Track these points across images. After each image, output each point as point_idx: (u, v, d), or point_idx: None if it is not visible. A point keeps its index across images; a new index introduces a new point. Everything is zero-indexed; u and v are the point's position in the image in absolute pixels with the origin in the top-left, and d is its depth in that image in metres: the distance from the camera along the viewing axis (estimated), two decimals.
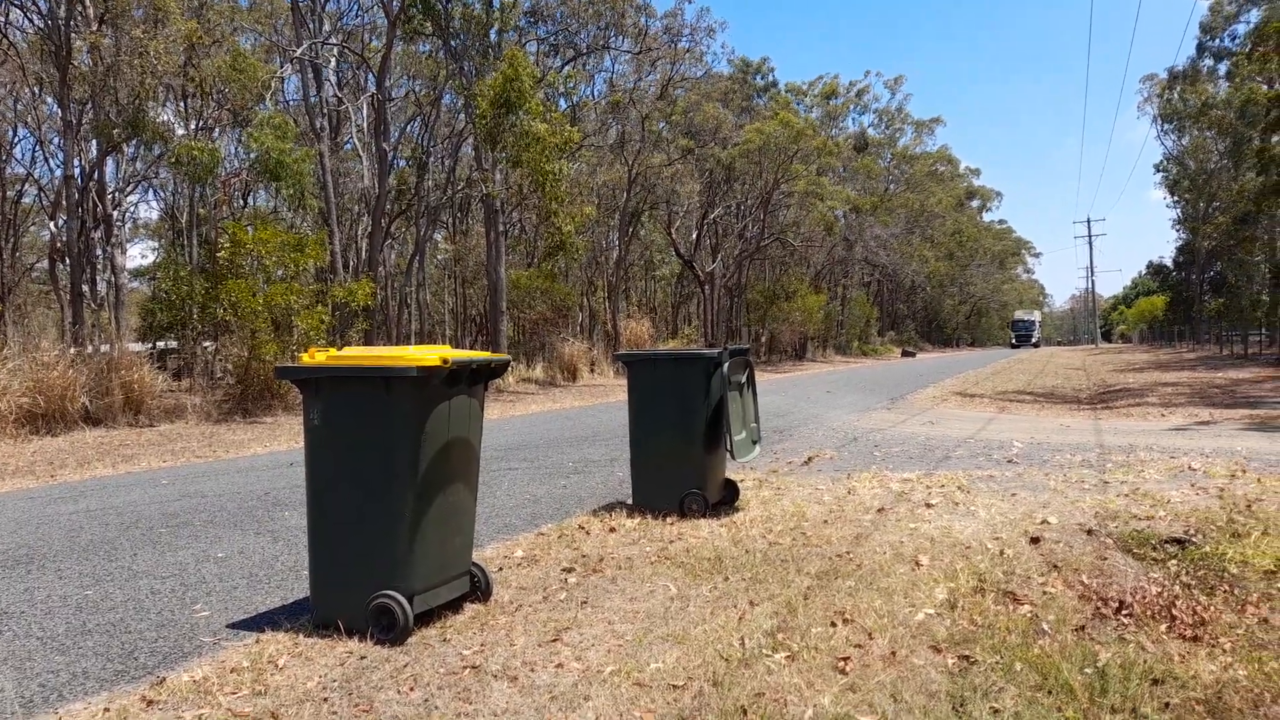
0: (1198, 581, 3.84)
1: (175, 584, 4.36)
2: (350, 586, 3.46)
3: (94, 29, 16.52)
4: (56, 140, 23.65)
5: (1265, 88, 29.32)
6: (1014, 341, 75.07)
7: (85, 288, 17.04)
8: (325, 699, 2.88)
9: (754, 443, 5.93)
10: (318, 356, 3.61)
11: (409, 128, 31.01)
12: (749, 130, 33.29)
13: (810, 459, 8.09)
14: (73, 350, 13.70)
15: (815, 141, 35.78)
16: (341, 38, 26.55)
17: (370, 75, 24.59)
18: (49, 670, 3.24)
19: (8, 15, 19.32)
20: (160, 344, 21.24)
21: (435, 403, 3.49)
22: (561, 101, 29.01)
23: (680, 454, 5.55)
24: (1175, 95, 42.85)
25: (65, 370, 12.18)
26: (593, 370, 25.77)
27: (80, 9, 16.55)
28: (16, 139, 27.06)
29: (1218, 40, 36.72)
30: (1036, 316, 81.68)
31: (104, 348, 13.83)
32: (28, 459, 9.75)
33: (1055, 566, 4.13)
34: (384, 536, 3.44)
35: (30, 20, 18.88)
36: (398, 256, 33.30)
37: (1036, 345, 73.32)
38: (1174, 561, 4.15)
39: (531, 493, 6.75)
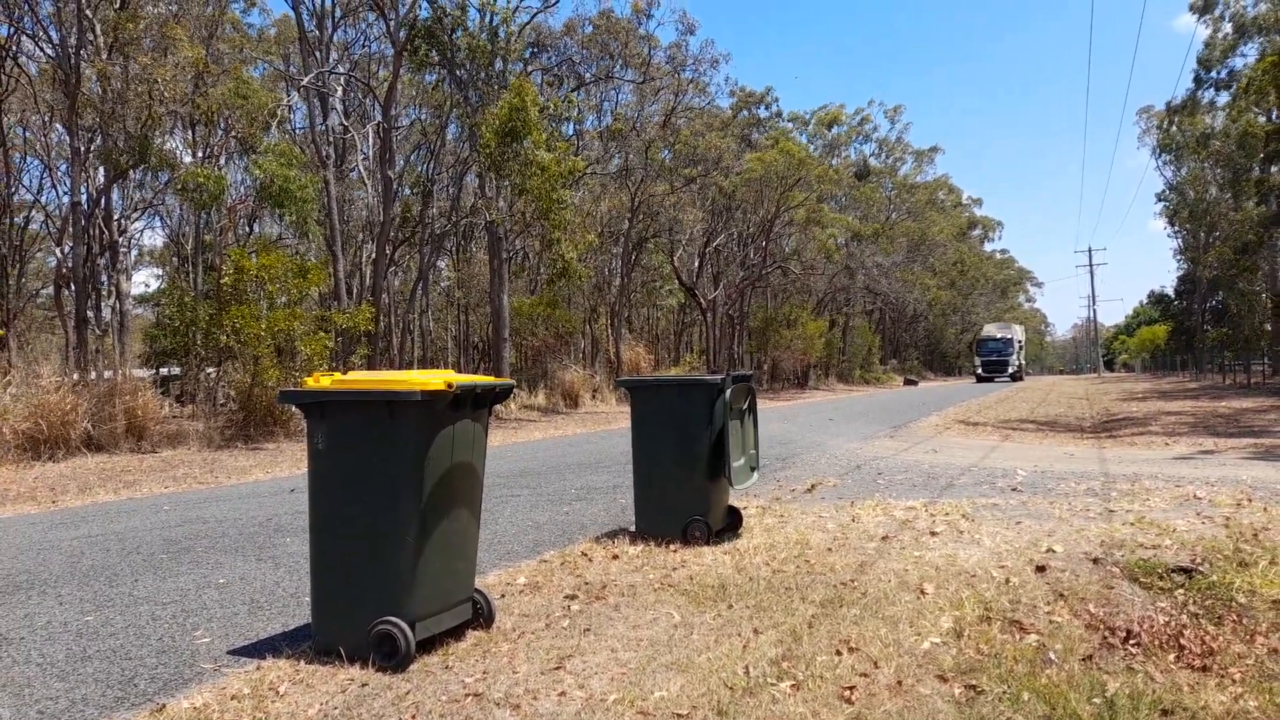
0: (1205, 611, 3.81)
1: (176, 610, 4.34)
2: (352, 612, 3.44)
3: (104, 57, 16.73)
4: (64, 167, 23.84)
5: (1263, 120, 29.54)
6: (979, 370, 53.15)
7: (90, 314, 17.10)
8: None
9: (752, 469, 5.91)
10: (322, 381, 3.61)
11: (414, 156, 31.28)
12: (750, 159, 33.55)
13: (813, 486, 8.06)
14: (76, 376, 13.74)
15: (816, 170, 36.03)
16: (348, 67, 26.87)
17: (377, 104, 24.84)
18: (48, 697, 3.21)
19: (19, 44, 19.58)
20: (164, 370, 21.28)
21: (439, 427, 3.49)
22: (568, 126, 29.27)
23: (683, 481, 5.53)
24: (1174, 127, 43.18)
25: (66, 395, 12.20)
26: (595, 397, 25.77)
27: (90, 38, 16.77)
28: (25, 165, 27.32)
29: (1215, 72, 37.06)
30: (1016, 334, 55.53)
31: (107, 373, 13.85)
32: (29, 484, 9.73)
33: (1061, 595, 4.10)
34: (386, 562, 3.42)
35: (41, 49, 19.12)
36: (401, 283, 33.44)
37: (1016, 377, 51.25)
38: (1181, 591, 4.12)
39: (534, 519, 6.73)
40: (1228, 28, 35.99)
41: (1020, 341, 56.15)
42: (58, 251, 25.71)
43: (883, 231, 48.04)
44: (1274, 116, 28.43)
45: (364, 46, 29.81)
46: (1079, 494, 7.15)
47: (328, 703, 3.05)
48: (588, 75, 29.40)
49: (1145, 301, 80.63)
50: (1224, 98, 36.21)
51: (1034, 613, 3.86)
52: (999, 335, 54.70)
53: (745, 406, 5.84)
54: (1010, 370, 52.33)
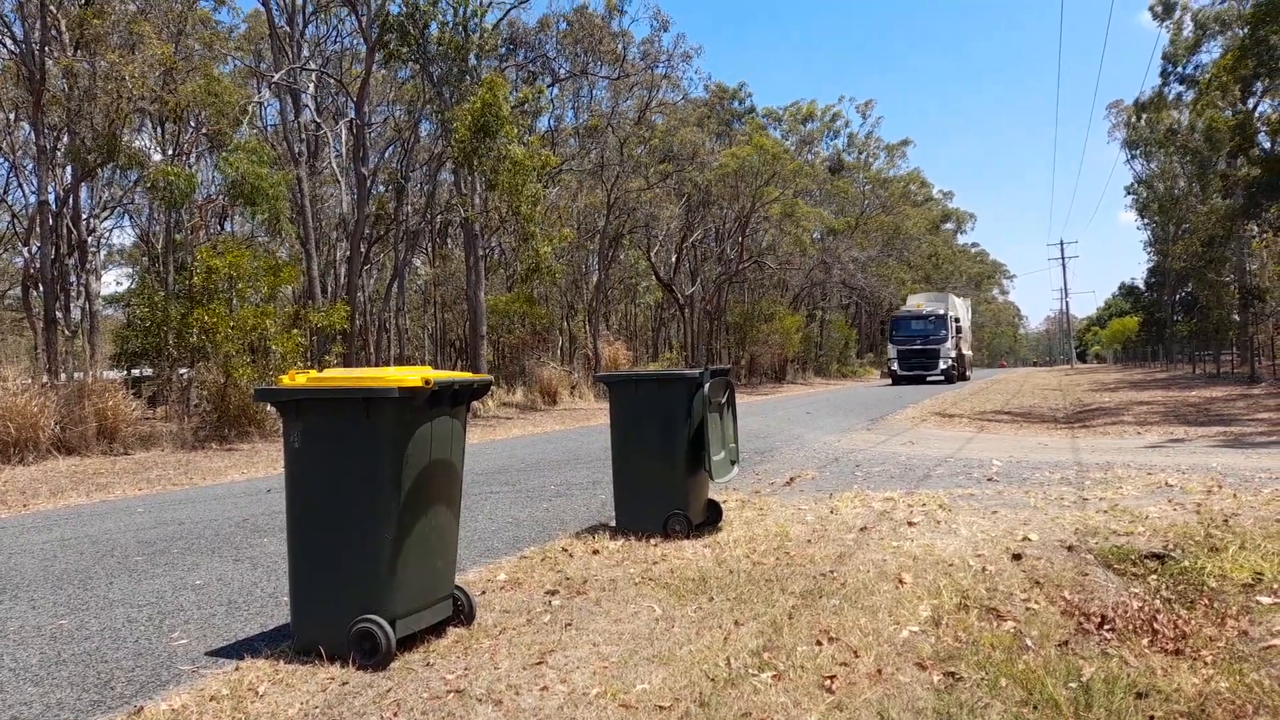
0: (1178, 596, 3.87)
1: (152, 612, 4.28)
2: (331, 611, 3.41)
3: (69, 53, 16.45)
4: (30, 165, 23.45)
5: (1228, 114, 30.00)
6: (894, 365, 36.27)
7: (59, 314, 16.84)
8: None
9: (732, 463, 5.94)
10: (298, 379, 3.58)
11: (388, 152, 31.05)
12: (725, 155, 33.64)
13: (792, 479, 8.10)
14: (45, 378, 13.51)
15: (791, 165, 36.19)
16: (321, 63, 26.60)
17: (350, 100, 24.62)
18: (22, 702, 3.17)
19: None
20: (135, 371, 20.99)
21: (417, 424, 3.47)
22: (543, 122, 29.17)
23: (663, 475, 5.54)
24: (1142, 122, 43.74)
25: (34, 398, 12.00)
26: (573, 394, 25.72)
27: (55, 33, 16.48)
28: None
29: (1181, 68, 37.57)
30: (952, 309, 37.61)
31: (77, 375, 13.64)
32: None
33: (1037, 583, 4.15)
34: (365, 560, 3.40)
35: (3, 44, 18.78)
36: (376, 282, 33.20)
37: (951, 375, 35.12)
38: (1154, 576, 4.18)
39: (514, 516, 6.71)
40: (1190, 25, 36.53)
41: (960, 321, 37.99)
42: (25, 251, 25.28)
43: (857, 225, 48.37)
44: (1237, 111, 28.89)
45: (336, 42, 29.55)
46: (1054, 483, 7.24)
47: (308, 702, 3.03)
48: (562, 72, 29.34)
49: (1116, 293, 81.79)
50: (1190, 93, 36.77)
51: (1010, 600, 3.91)
52: (926, 311, 36.42)
53: (724, 400, 5.86)
54: (943, 365, 34.70)
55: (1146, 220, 50.91)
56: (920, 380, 34.86)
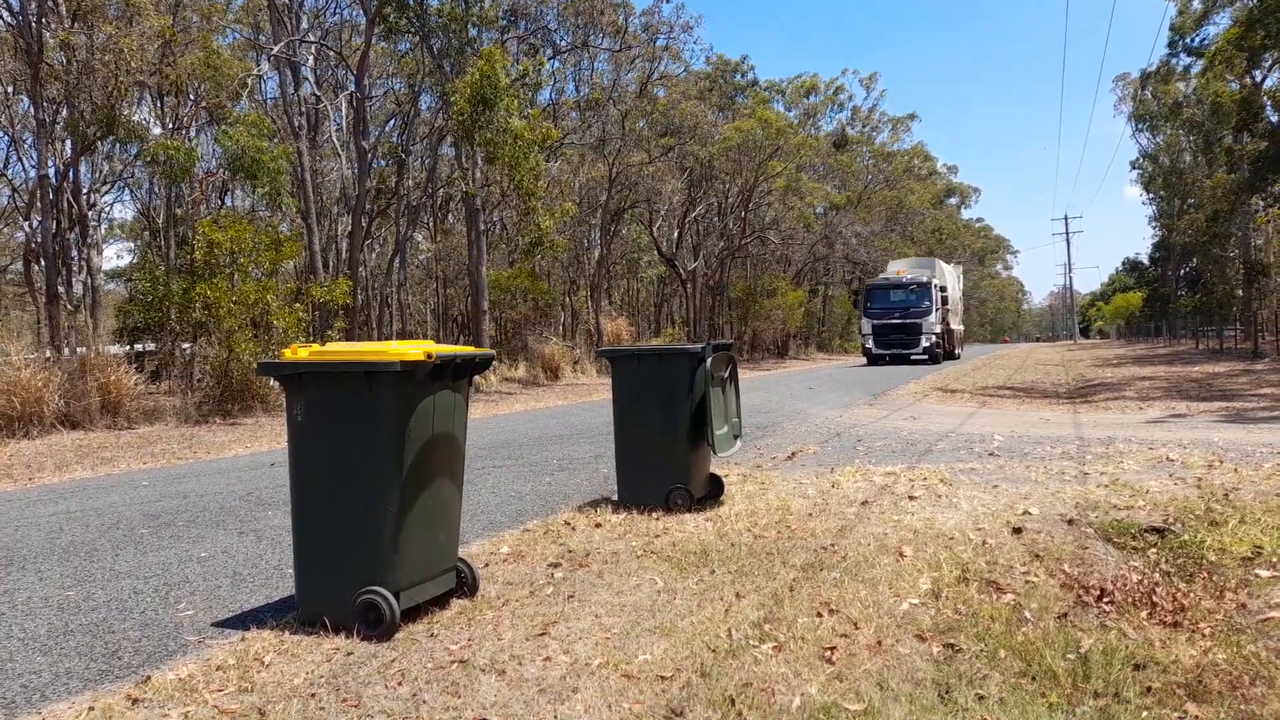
0: (1177, 569, 3.90)
1: (158, 584, 4.32)
2: (336, 583, 3.44)
3: (66, 25, 16.31)
4: (30, 140, 23.34)
5: (1235, 86, 29.74)
6: (869, 344, 31.46)
7: (61, 289, 16.83)
8: (313, 695, 2.87)
9: (735, 437, 5.95)
10: (300, 352, 3.58)
11: (389, 126, 30.87)
12: (728, 128, 33.41)
13: (794, 454, 8.13)
14: (48, 352, 13.53)
15: (795, 139, 35.94)
16: (320, 35, 26.38)
17: (350, 73, 24.43)
18: (31, 671, 3.20)
19: None
20: (138, 346, 21.01)
21: (420, 398, 3.48)
22: (545, 94, 28.95)
23: (665, 449, 5.56)
24: (1148, 94, 43.38)
25: (38, 372, 12.03)
26: (575, 369, 25.75)
27: (52, 4, 16.33)
28: None
29: (1189, 39, 37.20)
30: (939, 277, 32.52)
31: (81, 349, 13.66)
32: (4, 462, 9.62)
33: (1037, 556, 4.17)
34: (369, 532, 3.43)
35: (0, 17, 18.61)
36: (378, 257, 33.13)
37: (935, 354, 30.21)
38: (1154, 550, 4.20)
39: (516, 490, 6.74)
40: None
41: (947, 291, 32.46)
42: (26, 226, 25.23)
43: (860, 200, 48.12)
44: (1244, 85, 28.63)
45: (335, 14, 29.25)
46: (1054, 458, 7.26)
47: (313, 672, 3.07)
48: (564, 44, 29.07)
49: (1120, 269, 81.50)
50: (1198, 65, 36.43)
51: (1010, 573, 3.93)
52: (906, 279, 31.18)
53: (726, 375, 5.87)
54: (926, 341, 29.77)
55: (1152, 195, 50.65)
56: (901, 360, 29.90)
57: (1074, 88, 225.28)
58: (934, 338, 30.05)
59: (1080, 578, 3.83)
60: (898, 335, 30.25)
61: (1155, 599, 3.49)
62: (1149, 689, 2.71)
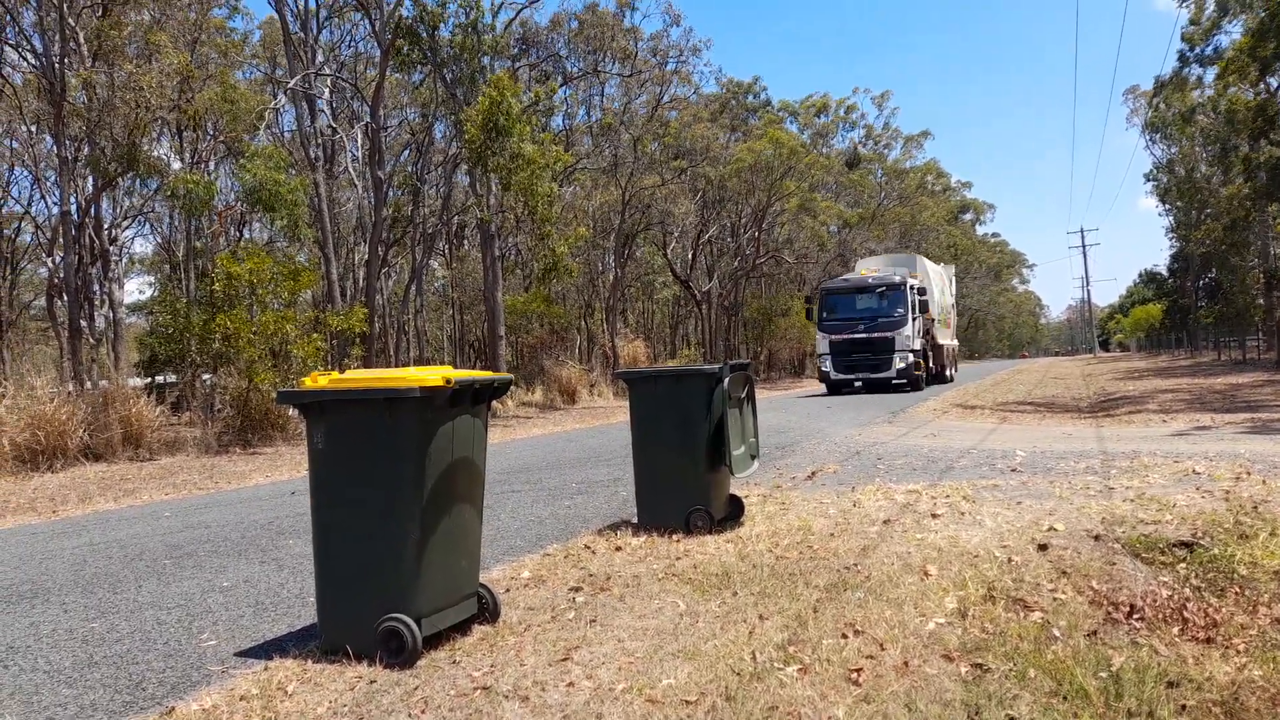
0: (1208, 584, 3.83)
1: (181, 614, 4.33)
2: (358, 610, 3.43)
3: (88, 65, 16.64)
4: (53, 177, 23.74)
5: (1250, 95, 29.60)
6: (825, 365, 24.26)
7: (84, 323, 17.04)
8: None
9: (752, 457, 5.92)
10: (320, 380, 3.60)
11: (404, 155, 31.23)
12: (739, 149, 33.56)
13: (814, 473, 8.08)
14: (71, 386, 13.69)
15: (807, 159, 36.04)
16: (335, 68, 26.78)
17: (365, 104, 24.76)
18: (57, 703, 3.21)
19: (2, 54, 19.47)
20: (159, 378, 21.23)
21: (439, 423, 3.49)
22: (557, 120, 29.20)
23: (684, 471, 5.54)
24: (1161, 103, 43.21)
25: (62, 406, 12.16)
26: (592, 392, 25.77)
27: (74, 46, 16.68)
28: (13, 177, 27.22)
29: (1200, 49, 37.07)
30: (922, 276, 25.97)
31: (103, 382, 13.81)
32: (29, 495, 9.71)
33: (1064, 573, 4.12)
34: (390, 559, 3.42)
35: (24, 58, 19.02)
36: (395, 284, 33.40)
37: (916, 377, 23.30)
38: (1183, 565, 4.13)
39: (536, 514, 6.73)
40: (1211, 4, 35.97)
41: (929, 295, 25.31)
42: (49, 262, 25.60)
43: (873, 218, 48.07)
44: (1259, 93, 28.50)
45: (350, 47, 29.76)
46: (1079, 473, 7.17)
47: (337, 700, 3.06)
48: (575, 70, 29.37)
49: (1138, 280, 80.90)
50: (1210, 74, 36.31)
51: (1037, 590, 3.88)
52: (873, 282, 24.31)
53: (744, 395, 5.85)
54: (900, 362, 23.17)
55: (1168, 206, 50.29)
56: (874, 387, 23.73)
57: (1086, 99, 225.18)
58: (911, 356, 22.88)
59: (1109, 594, 3.77)
60: (863, 354, 23.32)
61: (1186, 615, 3.43)
62: (1184, 707, 2.65)
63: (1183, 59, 36.70)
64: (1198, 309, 48.66)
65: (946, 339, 29.56)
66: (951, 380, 28.93)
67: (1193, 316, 49.23)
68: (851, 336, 23.45)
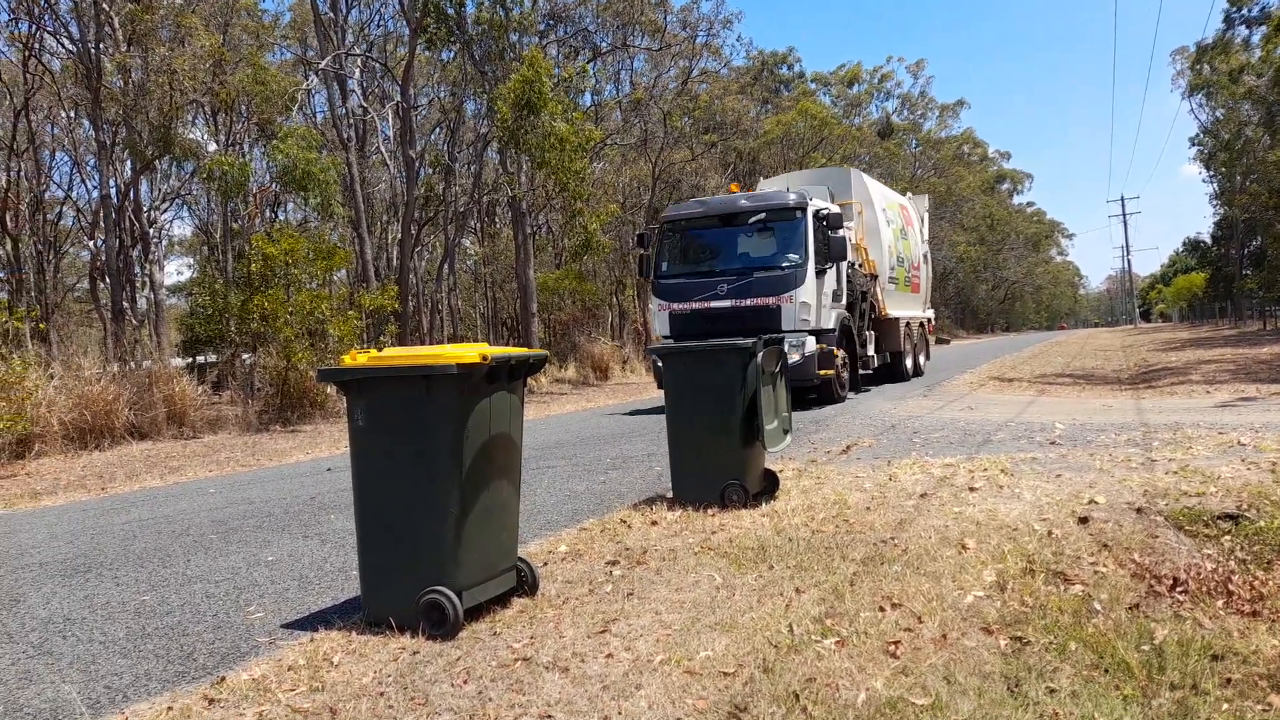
0: (1253, 556, 3.77)
1: (229, 587, 4.44)
2: (400, 584, 3.50)
3: (123, 49, 16.85)
4: (92, 161, 24.16)
5: None
6: (658, 360, 12.24)
7: (126, 305, 17.39)
8: (381, 693, 2.92)
9: (785, 432, 5.91)
10: (359, 358, 3.65)
11: (435, 134, 31.30)
12: (770, 122, 33.20)
13: (849, 447, 8.05)
14: (116, 366, 13.99)
15: (838, 130, 35.58)
16: (365, 48, 26.84)
17: (395, 84, 24.82)
18: (113, 673, 3.32)
19: (41, 41, 19.77)
20: (200, 358, 21.63)
21: (476, 399, 3.52)
22: (586, 97, 29.06)
23: (718, 445, 5.54)
24: (1206, 66, 41.93)
25: (108, 386, 12.45)
26: (624, 368, 25.81)
27: (109, 31, 16.89)
28: (54, 162, 27.73)
29: (1247, 9, 35.88)
30: (811, 200, 12.51)
31: (146, 363, 14.10)
32: (79, 473, 9.97)
33: (1105, 545, 4.07)
34: (431, 534, 3.48)
35: (62, 45, 19.30)
36: (428, 263, 33.60)
37: (824, 384, 12.29)
38: (1228, 537, 4.07)
39: (571, 489, 6.79)
40: None
41: (870, 232, 15.69)
42: (91, 245, 26.12)
43: (908, 188, 47.40)
44: None
45: (380, 26, 29.79)
46: (1119, 445, 7.07)
47: (381, 670, 3.13)
48: (604, 45, 29.16)
49: (1181, 249, 78.96)
50: (1258, 35, 35.11)
51: (1078, 563, 3.84)
52: (746, 206, 12.96)
53: (777, 369, 5.83)
54: (793, 354, 11.47)
55: (1212, 172, 48.93)
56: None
57: (1125, 64, 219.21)
58: (812, 343, 12.26)
59: (1151, 567, 3.73)
60: (725, 338, 7.77)
61: (1231, 587, 3.38)
62: (1229, 680, 2.63)
63: (1228, 20, 35.57)
64: (1243, 277, 47.45)
65: (905, 309, 17.81)
66: (922, 373, 18.81)
67: (1237, 285, 48.02)
68: (705, 306, 12.52)
